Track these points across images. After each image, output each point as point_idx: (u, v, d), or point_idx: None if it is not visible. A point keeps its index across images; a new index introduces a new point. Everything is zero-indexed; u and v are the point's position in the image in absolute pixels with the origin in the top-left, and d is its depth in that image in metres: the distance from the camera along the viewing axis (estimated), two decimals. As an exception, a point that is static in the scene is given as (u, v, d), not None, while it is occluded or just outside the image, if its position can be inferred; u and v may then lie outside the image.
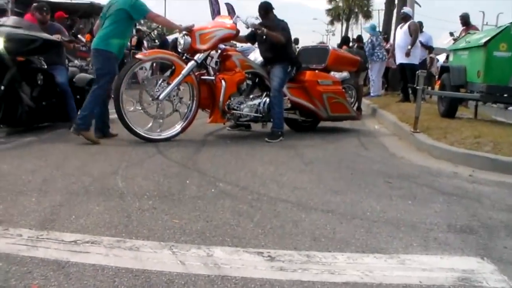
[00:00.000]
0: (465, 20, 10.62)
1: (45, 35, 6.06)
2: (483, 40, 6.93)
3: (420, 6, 10.98)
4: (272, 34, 6.10)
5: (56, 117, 6.47)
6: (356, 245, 2.64)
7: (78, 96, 6.52)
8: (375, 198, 3.58)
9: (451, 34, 11.09)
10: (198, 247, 2.51)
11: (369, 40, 12.57)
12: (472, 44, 7.44)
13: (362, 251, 2.56)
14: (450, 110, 7.62)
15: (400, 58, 10.43)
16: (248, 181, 3.93)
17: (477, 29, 10.61)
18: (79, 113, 5.66)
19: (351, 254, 2.52)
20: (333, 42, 48.85)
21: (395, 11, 16.53)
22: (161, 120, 5.74)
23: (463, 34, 9.88)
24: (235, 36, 6.29)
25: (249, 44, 8.36)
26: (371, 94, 12.69)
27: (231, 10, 19.04)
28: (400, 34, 10.50)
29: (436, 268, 2.40)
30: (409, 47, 9.99)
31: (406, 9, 11.08)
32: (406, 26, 10.29)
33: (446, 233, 2.90)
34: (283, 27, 6.31)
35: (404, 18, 10.61)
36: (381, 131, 7.56)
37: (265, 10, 6.27)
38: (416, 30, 10.27)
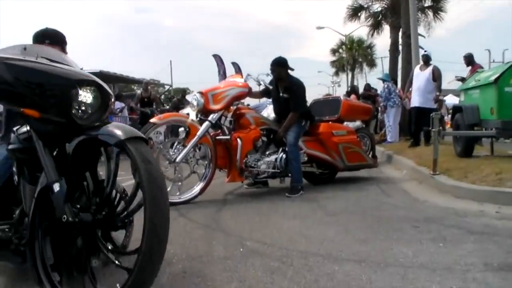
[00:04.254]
0: (468, 60, 10.70)
1: None
2: (493, 78, 6.97)
3: (424, 50, 10.89)
4: (287, 125, 6.23)
5: None
6: (394, 293, 2.58)
7: None
8: (405, 244, 3.52)
9: (458, 78, 11.15)
10: (235, 308, 2.47)
11: (385, 86, 12.70)
12: (482, 82, 7.48)
13: (401, 299, 2.51)
14: (467, 149, 7.58)
15: (418, 102, 10.22)
16: (275, 238, 3.89)
17: (481, 67, 10.63)
18: None
19: (391, 303, 2.46)
20: (339, 92, 49.42)
21: (400, 57, 16.85)
22: (179, 183, 5.75)
23: (469, 74, 9.97)
24: (248, 94, 6.36)
25: (263, 100, 8.45)
26: (388, 139, 12.61)
27: (237, 69, 19.40)
28: (420, 78, 10.23)
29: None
30: (437, 93, 9.80)
31: (427, 52, 10.61)
32: (428, 70, 10.10)
33: (484, 272, 2.82)
34: (297, 85, 6.40)
35: (426, 61, 10.34)
36: (400, 177, 7.51)
37: (279, 65, 6.31)
38: (440, 75, 10.02)
